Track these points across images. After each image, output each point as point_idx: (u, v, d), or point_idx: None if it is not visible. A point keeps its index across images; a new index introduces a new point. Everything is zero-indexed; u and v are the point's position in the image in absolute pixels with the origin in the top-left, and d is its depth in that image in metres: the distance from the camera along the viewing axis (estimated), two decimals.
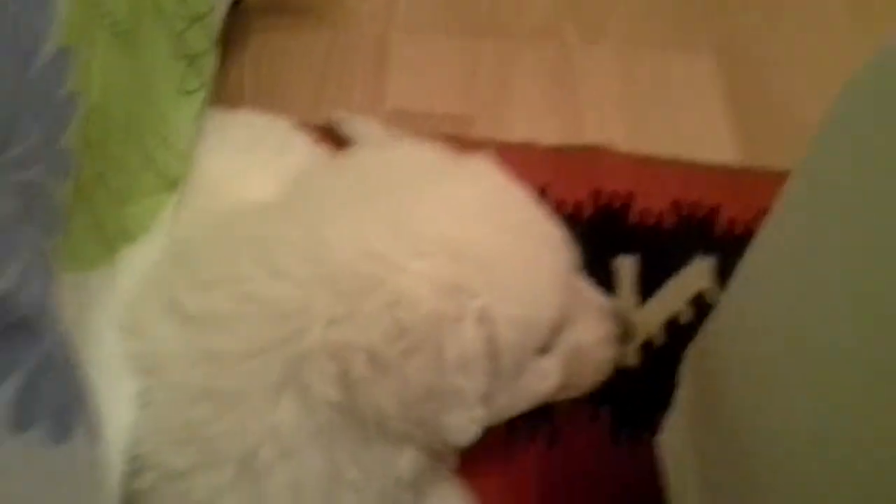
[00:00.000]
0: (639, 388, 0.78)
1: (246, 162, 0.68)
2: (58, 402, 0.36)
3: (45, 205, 0.40)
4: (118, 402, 0.49)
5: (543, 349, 0.57)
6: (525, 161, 0.92)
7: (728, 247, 0.84)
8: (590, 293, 0.64)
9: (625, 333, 0.65)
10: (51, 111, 0.38)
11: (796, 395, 0.44)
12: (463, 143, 0.94)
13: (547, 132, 0.97)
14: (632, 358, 0.79)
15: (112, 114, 0.51)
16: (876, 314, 0.38)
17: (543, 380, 0.58)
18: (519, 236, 0.54)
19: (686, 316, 0.82)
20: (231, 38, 0.97)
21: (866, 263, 0.39)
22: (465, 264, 0.50)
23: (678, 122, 0.98)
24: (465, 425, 0.51)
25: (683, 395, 0.64)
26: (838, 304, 0.41)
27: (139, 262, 0.57)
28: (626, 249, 0.86)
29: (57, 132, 0.40)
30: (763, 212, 0.50)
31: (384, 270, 0.48)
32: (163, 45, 0.61)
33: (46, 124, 0.38)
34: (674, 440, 0.64)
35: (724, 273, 0.83)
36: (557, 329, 0.57)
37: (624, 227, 0.88)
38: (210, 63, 0.69)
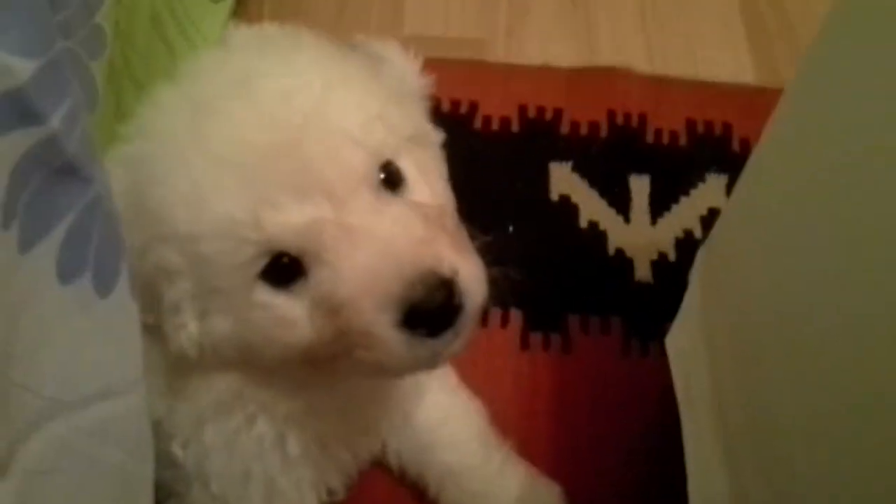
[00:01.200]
0: (650, 302, 0.80)
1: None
2: (104, 252, 0.37)
3: (83, 77, 0.41)
4: None
5: (276, 281, 0.43)
6: (541, 84, 0.94)
7: (742, 165, 0.85)
8: (388, 216, 0.43)
9: (439, 304, 0.41)
10: None
11: (798, 270, 0.46)
12: (480, 67, 0.96)
13: (563, 55, 0.97)
14: (644, 273, 0.81)
15: (139, 5, 0.53)
16: (862, 203, 0.39)
17: (281, 323, 0.44)
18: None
19: (699, 232, 0.83)
20: None
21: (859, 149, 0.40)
22: (150, 137, 0.45)
23: (695, 44, 0.98)
24: (173, 331, 0.46)
25: (693, 294, 0.65)
26: (834, 189, 0.42)
27: None
28: (641, 169, 0.87)
29: (93, 6, 0.42)
30: None
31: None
32: None
33: None
34: (682, 340, 0.66)
35: None
36: (274, 247, 0.42)
37: (639, 146, 0.89)
38: None
